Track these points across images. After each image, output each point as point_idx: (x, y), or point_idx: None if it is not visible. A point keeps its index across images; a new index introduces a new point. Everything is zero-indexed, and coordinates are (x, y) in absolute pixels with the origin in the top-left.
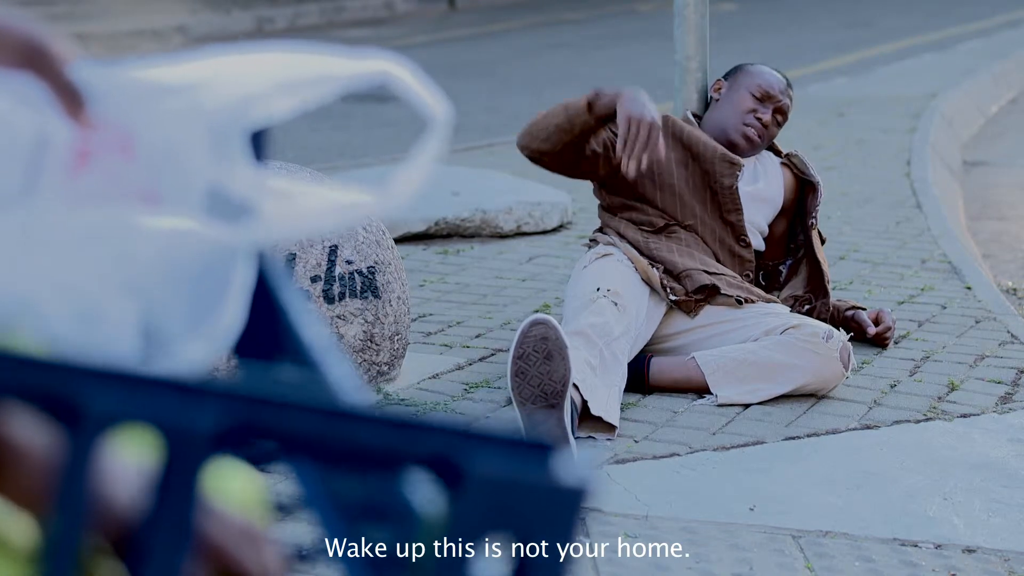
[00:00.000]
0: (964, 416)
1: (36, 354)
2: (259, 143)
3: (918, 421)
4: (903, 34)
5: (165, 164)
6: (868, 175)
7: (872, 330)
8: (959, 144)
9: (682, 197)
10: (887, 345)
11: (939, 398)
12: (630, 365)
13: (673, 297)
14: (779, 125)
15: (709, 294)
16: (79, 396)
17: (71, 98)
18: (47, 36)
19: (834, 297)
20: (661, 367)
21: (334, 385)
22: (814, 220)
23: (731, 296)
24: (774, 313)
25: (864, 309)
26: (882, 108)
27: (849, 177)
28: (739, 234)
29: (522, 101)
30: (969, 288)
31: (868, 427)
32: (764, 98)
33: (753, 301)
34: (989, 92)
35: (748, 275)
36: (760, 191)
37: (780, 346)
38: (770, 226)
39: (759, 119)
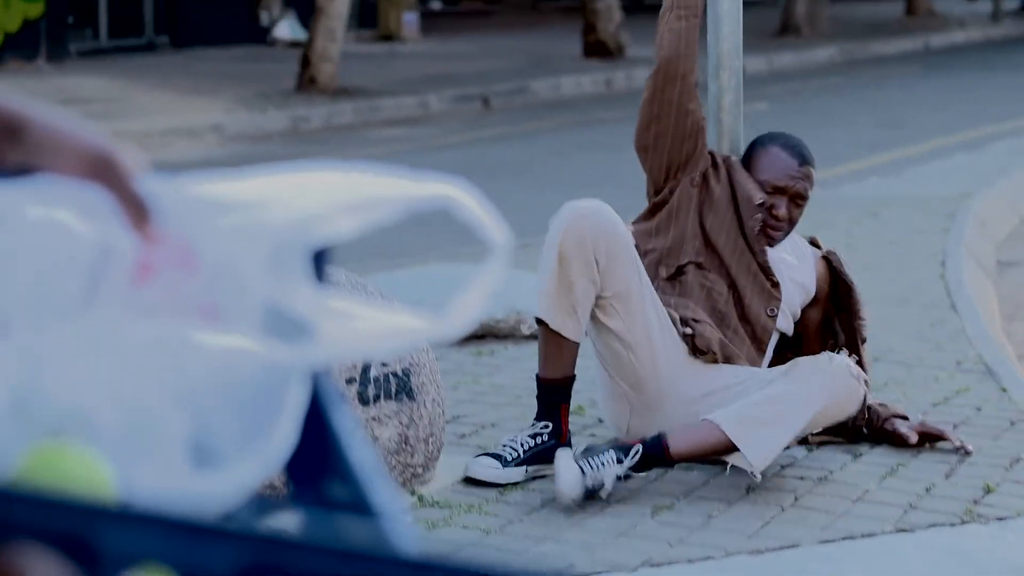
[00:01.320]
0: (1000, 519)
1: (54, 494)
2: (319, 262)
3: (954, 524)
4: (935, 134)
5: (225, 280)
6: (902, 276)
7: (915, 439)
8: (993, 244)
9: (715, 233)
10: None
11: (975, 501)
12: (647, 446)
13: (687, 331)
14: (800, 207)
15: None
16: (96, 536)
17: (136, 211)
18: (115, 149)
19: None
20: (678, 437)
21: (372, 515)
22: (862, 321)
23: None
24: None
25: (906, 418)
26: (915, 208)
27: (883, 278)
28: (768, 274)
29: (556, 200)
30: (1004, 390)
31: (903, 531)
32: (776, 192)
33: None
34: (1022, 192)
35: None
36: (793, 267)
37: (788, 378)
38: (804, 313)
39: (775, 215)
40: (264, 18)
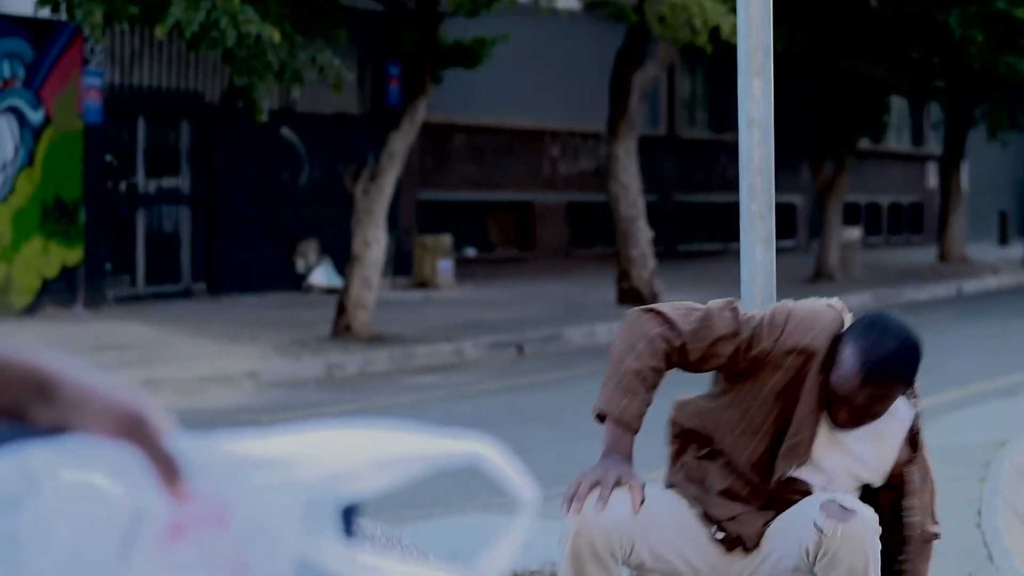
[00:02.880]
0: None
1: None
2: (350, 517)
3: None
4: (969, 379)
5: (257, 536)
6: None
7: None
8: None
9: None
10: None
11: None
12: None
13: (720, 535)
14: (869, 418)
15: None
16: None
17: (168, 470)
18: (145, 407)
19: None
20: None
21: None
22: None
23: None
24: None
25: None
26: (951, 457)
27: None
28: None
29: (590, 448)
30: None
31: None
32: (838, 399)
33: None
34: None
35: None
36: (855, 455)
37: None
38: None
39: (846, 418)
40: (300, 265)
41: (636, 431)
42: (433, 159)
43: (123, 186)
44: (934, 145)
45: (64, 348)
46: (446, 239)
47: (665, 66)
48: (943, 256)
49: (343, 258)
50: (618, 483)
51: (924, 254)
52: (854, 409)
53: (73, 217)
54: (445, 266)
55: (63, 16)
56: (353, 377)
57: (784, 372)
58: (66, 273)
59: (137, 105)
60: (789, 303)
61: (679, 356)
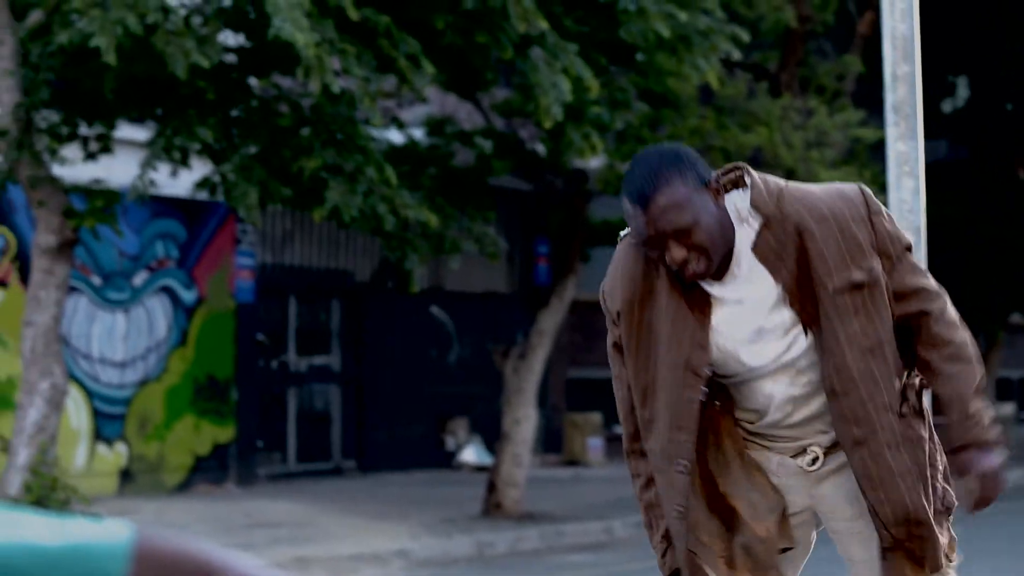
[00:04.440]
0: None
1: None
2: None
3: None
4: None
5: None
6: None
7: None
8: None
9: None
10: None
11: None
12: None
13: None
14: (688, 237)
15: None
16: None
17: None
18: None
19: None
20: None
21: None
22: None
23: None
24: None
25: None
26: None
27: None
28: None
29: None
30: None
31: None
32: (648, 242)
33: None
34: None
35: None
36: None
37: None
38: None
39: (671, 263)
40: (450, 443)
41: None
42: (582, 337)
43: (274, 364)
44: None
45: (216, 526)
46: (596, 417)
47: None
48: None
49: (493, 436)
50: None
51: None
52: (659, 238)
53: (225, 395)
54: (595, 444)
55: (219, 198)
56: (503, 556)
57: (629, 323)
58: (218, 451)
59: (288, 284)
60: None
61: (640, 429)
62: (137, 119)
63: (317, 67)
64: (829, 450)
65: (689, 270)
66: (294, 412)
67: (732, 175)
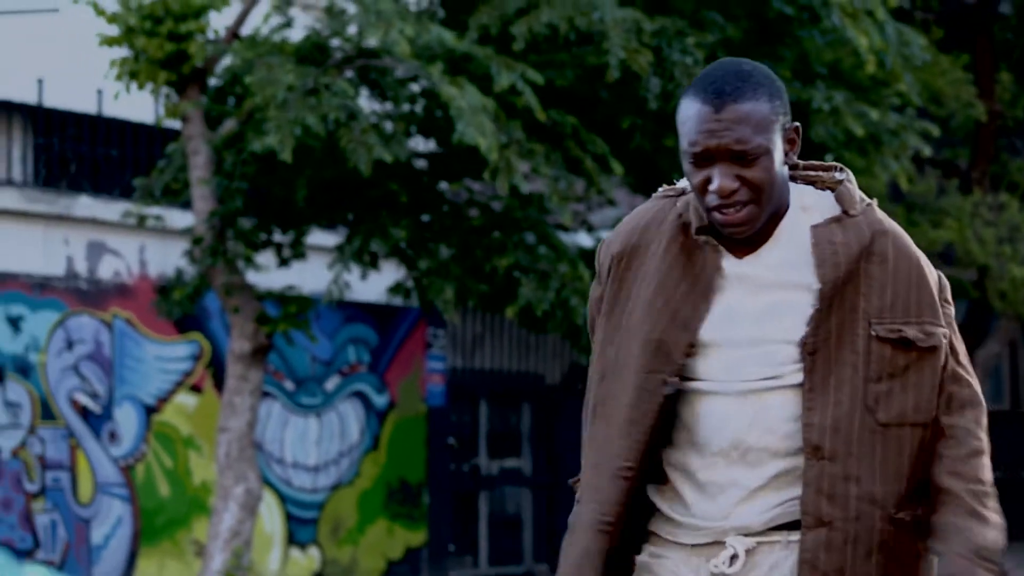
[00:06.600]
0: None
1: None
2: None
3: None
4: None
5: None
6: None
7: None
8: None
9: None
10: None
11: None
12: None
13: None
14: (748, 165)
15: None
16: None
17: None
18: None
19: None
20: None
21: None
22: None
23: None
24: None
25: None
26: None
27: None
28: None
29: None
30: None
31: None
32: (701, 154)
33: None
34: None
35: None
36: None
37: None
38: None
39: (716, 191)
40: None
41: None
42: None
43: (465, 468)
44: None
45: None
46: None
47: (1006, 341)
48: None
49: None
50: None
51: None
52: (716, 152)
53: (417, 499)
54: None
55: (413, 302)
56: None
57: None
58: (410, 555)
59: (479, 387)
60: None
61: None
62: (328, 225)
63: (504, 169)
64: (760, 546)
65: (729, 214)
66: (485, 516)
67: (819, 173)
